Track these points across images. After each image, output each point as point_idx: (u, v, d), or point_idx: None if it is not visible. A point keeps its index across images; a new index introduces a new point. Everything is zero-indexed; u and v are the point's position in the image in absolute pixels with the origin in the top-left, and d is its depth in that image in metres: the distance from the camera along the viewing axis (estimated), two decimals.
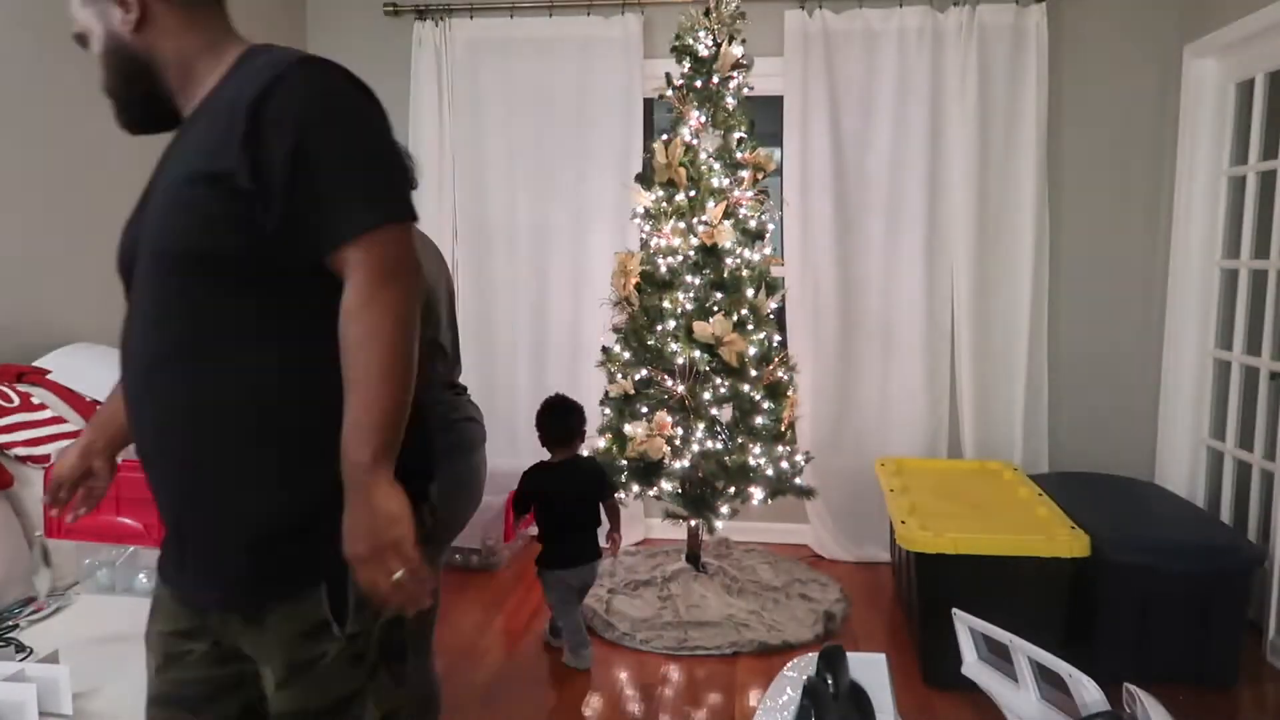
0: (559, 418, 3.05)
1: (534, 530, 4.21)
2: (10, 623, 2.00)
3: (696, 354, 3.25)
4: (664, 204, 3.34)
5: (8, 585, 2.10)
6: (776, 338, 3.39)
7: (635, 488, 3.35)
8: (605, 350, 3.45)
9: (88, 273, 2.99)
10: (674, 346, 3.26)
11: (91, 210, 3.00)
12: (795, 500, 3.58)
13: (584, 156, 4.08)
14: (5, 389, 2.35)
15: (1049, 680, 1.32)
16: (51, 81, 2.82)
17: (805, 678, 1.24)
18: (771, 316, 3.41)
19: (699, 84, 3.31)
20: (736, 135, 3.33)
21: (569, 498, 3.02)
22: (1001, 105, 3.84)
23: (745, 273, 3.31)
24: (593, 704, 2.79)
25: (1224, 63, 3.57)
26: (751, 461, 3.30)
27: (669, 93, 3.37)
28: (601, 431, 3.43)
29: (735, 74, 3.33)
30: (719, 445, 3.31)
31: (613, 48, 4.01)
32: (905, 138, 3.89)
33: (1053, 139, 3.89)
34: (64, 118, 2.87)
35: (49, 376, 2.56)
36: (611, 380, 3.38)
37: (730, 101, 3.32)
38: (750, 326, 3.29)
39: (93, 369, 2.68)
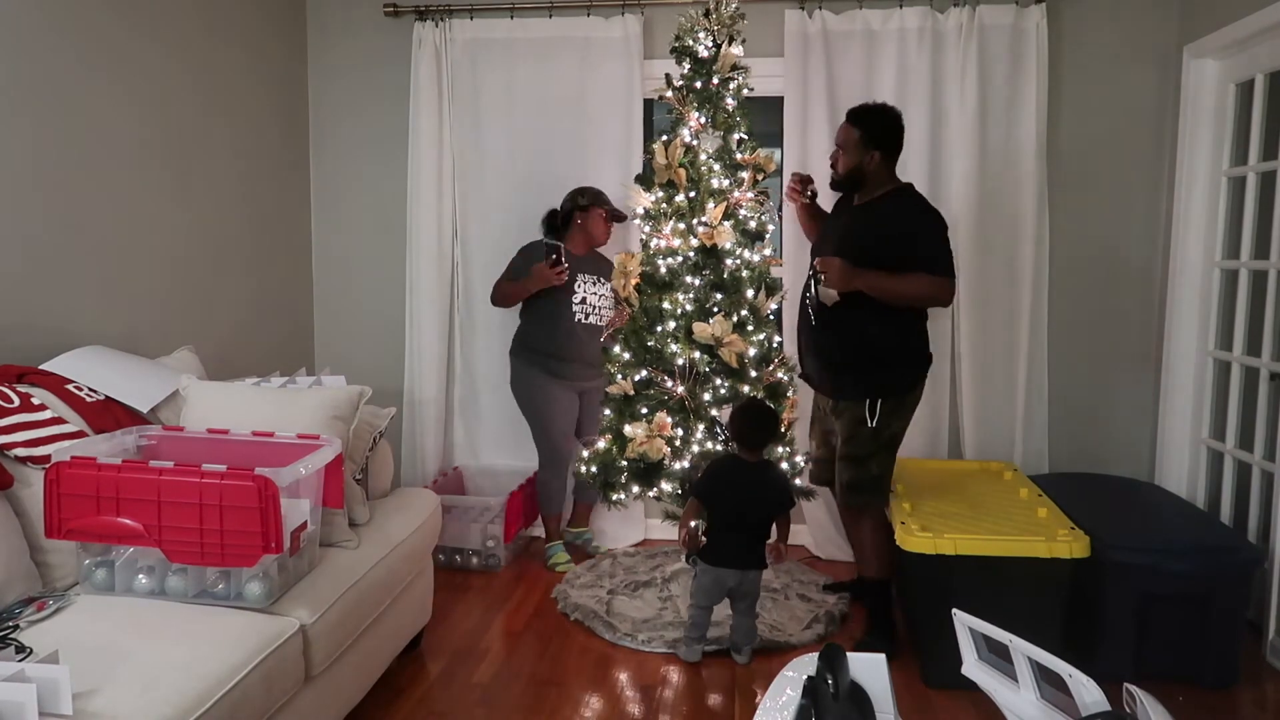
0: (757, 424, 3.02)
1: (535, 531, 4.24)
2: (10, 623, 1.99)
3: (696, 355, 3.25)
4: (664, 205, 3.34)
5: (8, 585, 2.10)
6: (776, 339, 3.39)
7: (635, 488, 3.35)
8: (605, 351, 3.45)
9: (88, 275, 2.99)
10: (674, 347, 3.26)
11: (92, 212, 3.00)
12: None
13: (584, 157, 4.08)
14: (5, 389, 2.35)
15: (1049, 680, 1.31)
16: (54, 83, 2.82)
17: (805, 678, 1.24)
18: (771, 317, 3.41)
19: (699, 85, 3.31)
20: (736, 136, 3.33)
21: (748, 499, 2.99)
22: (1001, 105, 3.84)
23: (745, 273, 3.31)
24: (593, 704, 2.79)
25: (1224, 63, 3.57)
26: None
27: (669, 93, 3.37)
28: (601, 432, 3.43)
29: (735, 75, 3.33)
30: (719, 446, 3.31)
31: (613, 48, 4.01)
32: (906, 138, 3.88)
33: (1053, 139, 3.89)
34: (66, 118, 2.87)
35: (60, 377, 2.56)
36: (611, 381, 3.38)
37: (730, 102, 3.32)
38: (750, 327, 3.29)
39: (103, 371, 2.67)
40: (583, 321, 3.75)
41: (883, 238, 2.99)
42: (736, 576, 2.97)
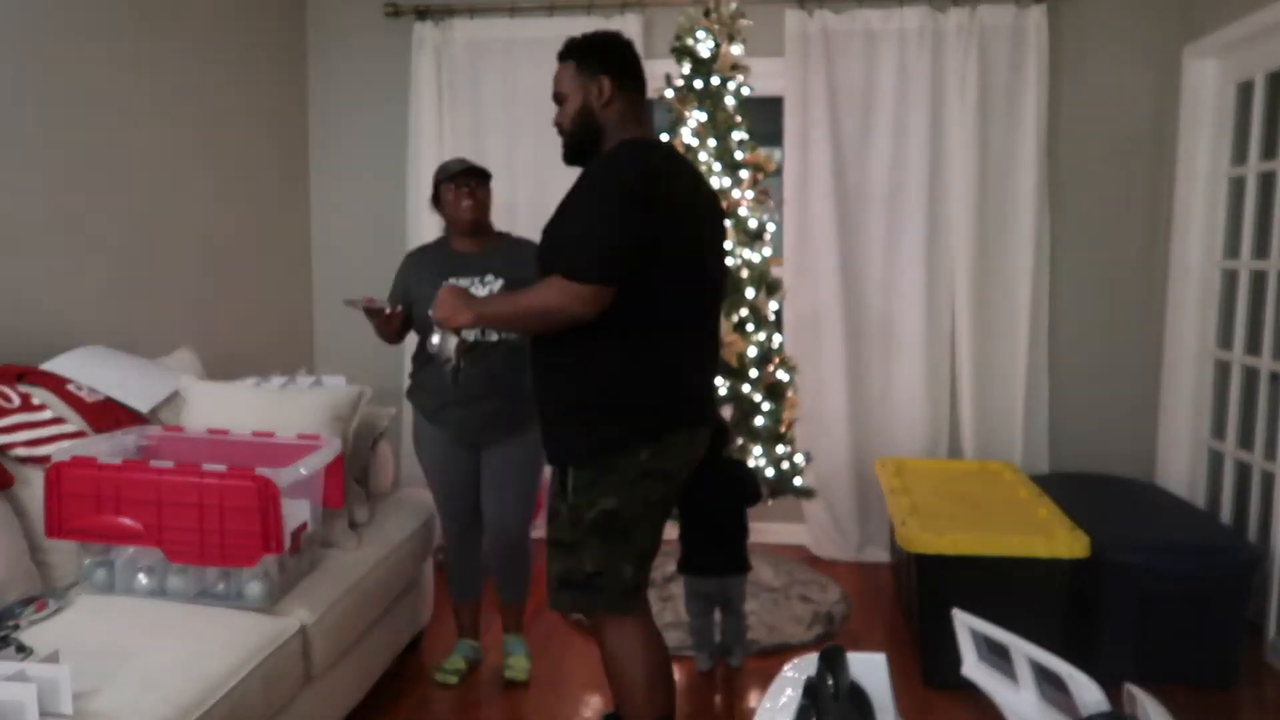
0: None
1: (536, 532, 4.23)
2: (10, 623, 1.99)
3: None
4: None
5: (8, 585, 2.10)
6: (777, 338, 3.39)
7: None
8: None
9: (88, 275, 2.99)
10: None
11: (92, 212, 3.00)
12: (793, 500, 3.58)
13: None
14: (5, 389, 2.35)
15: (1049, 680, 1.31)
16: (54, 85, 2.82)
17: (805, 678, 1.24)
18: (772, 317, 3.41)
19: (699, 84, 3.31)
20: (736, 136, 3.33)
21: (710, 502, 2.88)
22: (1001, 105, 3.84)
23: (745, 273, 3.31)
24: (593, 704, 2.79)
25: (1224, 63, 3.57)
26: (751, 462, 3.30)
27: (669, 93, 3.37)
28: None
29: (735, 75, 3.33)
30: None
31: None
32: (905, 138, 3.89)
33: (1053, 139, 3.89)
34: (66, 120, 2.87)
35: (60, 377, 2.56)
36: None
37: (730, 102, 3.32)
38: (750, 327, 3.29)
39: (103, 371, 2.67)
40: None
41: (547, 228, 2.11)
42: (715, 584, 2.91)
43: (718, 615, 3.01)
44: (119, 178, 3.12)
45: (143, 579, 2.23)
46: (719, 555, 2.90)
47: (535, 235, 4.18)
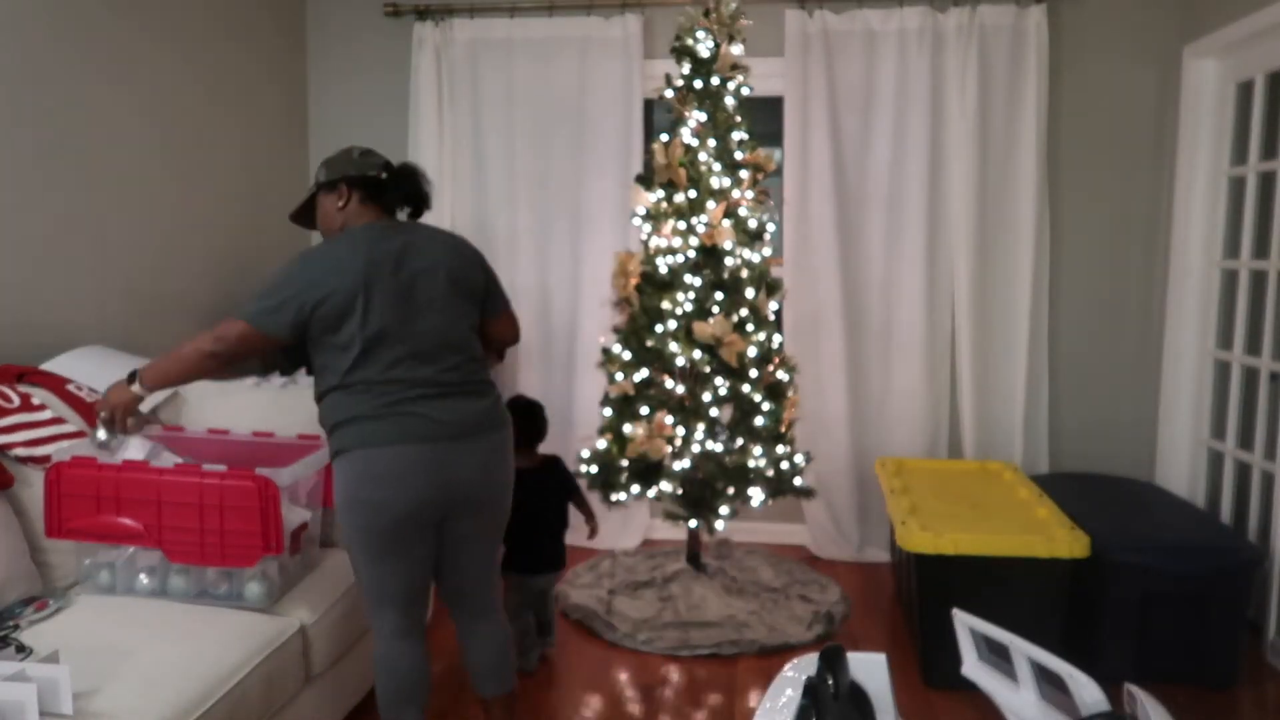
0: (528, 418, 2.95)
1: None
2: (10, 623, 2.00)
3: (697, 355, 3.25)
4: (664, 204, 3.34)
5: (8, 585, 2.10)
6: (777, 338, 3.39)
7: (635, 488, 3.35)
8: (605, 351, 3.45)
9: (88, 275, 2.99)
10: (674, 347, 3.26)
11: (93, 212, 3.00)
12: (793, 500, 3.58)
13: (584, 157, 4.08)
14: (5, 389, 2.35)
15: (1049, 680, 1.31)
16: (55, 85, 2.82)
17: (805, 678, 1.24)
18: (772, 317, 3.41)
19: (699, 84, 3.31)
20: (736, 135, 3.33)
21: (541, 503, 2.92)
22: (1001, 106, 3.84)
23: (745, 273, 3.31)
24: (593, 704, 2.79)
25: (1224, 63, 3.57)
26: (751, 462, 3.31)
27: (669, 93, 3.37)
28: (601, 432, 3.43)
29: (735, 74, 3.33)
30: (719, 446, 3.31)
31: (613, 48, 4.01)
32: (905, 138, 3.89)
33: (1053, 139, 3.89)
34: (67, 119, 2.87)
35: (60, 377, 2.56)
36: (611, 381, 3.38)
37: (730, 102, 3.32)
38: (750, 327, 3.29)
39: (103, 371, 2.67)
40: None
41: None
42: (548, 580, 2.99)
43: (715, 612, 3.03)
44: (119, 178, 3.12)
45: (143, 579, 2.23)
46: (551, 551, 2.97)
47: (535, 236, 4.21)
